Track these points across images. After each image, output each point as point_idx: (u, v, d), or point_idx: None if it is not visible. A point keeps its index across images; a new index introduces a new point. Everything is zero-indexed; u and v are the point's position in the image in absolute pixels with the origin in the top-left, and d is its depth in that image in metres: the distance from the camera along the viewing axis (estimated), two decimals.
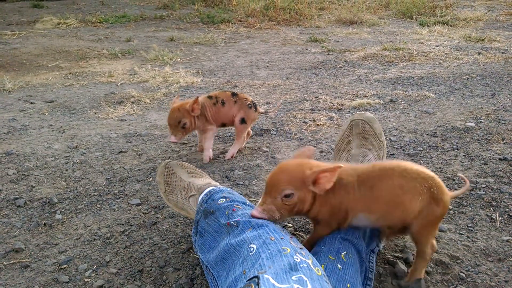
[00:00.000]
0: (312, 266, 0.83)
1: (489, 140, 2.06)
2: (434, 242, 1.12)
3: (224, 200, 1.14)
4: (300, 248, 0.90)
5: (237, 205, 1.10)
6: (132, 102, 2.79)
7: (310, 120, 2.41)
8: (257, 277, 0.78)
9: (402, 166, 1.05)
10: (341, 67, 3.73)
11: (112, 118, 2.53)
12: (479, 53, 4.08)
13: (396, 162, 1.08)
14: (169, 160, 1.45)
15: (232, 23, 6.15)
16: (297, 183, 1.01)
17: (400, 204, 1.03)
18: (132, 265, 1.24)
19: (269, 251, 0.86)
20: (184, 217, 1.47)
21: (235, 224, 1.02)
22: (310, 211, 1.07)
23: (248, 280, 0.80)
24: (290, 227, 1.41)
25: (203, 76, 3.48)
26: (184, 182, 1.32)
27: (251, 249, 0.89)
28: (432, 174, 1.05)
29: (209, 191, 1.21)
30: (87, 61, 4.04)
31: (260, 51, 4.50)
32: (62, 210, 1.54)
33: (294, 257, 0.84)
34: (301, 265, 0.81)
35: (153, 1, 8.30)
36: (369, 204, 1.05)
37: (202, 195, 1.21)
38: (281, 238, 0.91)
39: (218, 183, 1.31)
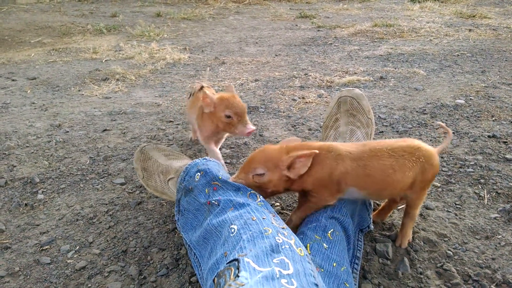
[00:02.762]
0: (294, 246, 0.81)
1: (478, 117, 2.04)
2: None
3: (199, 175, 1.10)
4: (282, 228, 0.88)
5: (215, 181, 1.07)
6: (117, 79, 2.72)
7: (299, 98, 2.37)
8: (237, 260, 0.76)
9: (389, 145, 1.07)
10: (331, 43, 3.67)
11: (97, 95, 2.46)
12: (470, 30, 4.05)
13: (383, 142, 1.09)
14: (145, 144, 1.40)
15: None
16: (271, 165, 1.03)
17: (391, 183, 1.05)
18: (115, 246, 1.22)
19: (250, 232, 0.83)
20: None
21: (216, 203, 1.00)
22: (290, 189, 1.09)
23: (228, 262, 0.78)
24: (277, 205, 1.39)
25: (191, 53, 3.41)
26: (162, 166, 1.28)
27: (232, 230, 0.86)
28: (417, 144, 1.08)
29: (186, 167, 1.18)
30: (71, 37, 3.94)
31: (249, 27, 4.42)
32: (44, 190, 1.50)
33: (276, 238, 0.81)
34: (283, 246, 0.79)
35: None
36: (361, 180, 1.06)
37: (181, 174, 1.18)
38: (263, 218, 0.89)
39: None
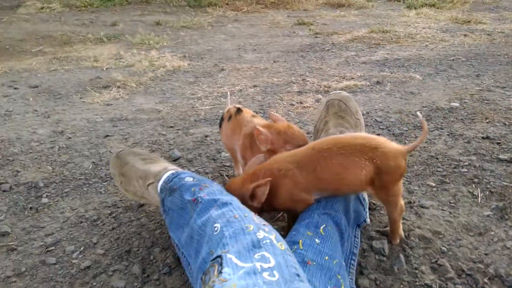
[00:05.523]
0: (275, 241, 0.84)
1: (472, 119, 2.08)
2: (402, 203, 1.16)
3: (192, 179, 1.15)
4: (264, 224, 0.92)
5: (204, 184, 1.11)
6: (118, 87, 2.76)
7: (297, 102, 2.41)
8: (220, 256, 0.80)
9: (340, 143, 1.07)
10: (328, 49, 3.72)
11: (98, 102, 2.51)
12: (465, 35, 4.10)
13: (335, 139, 1.10)
14: (120, 149, 1.41)
15: (219, 7, 6.10)
16: (240, 200, 1.08)
17: (343, 179, 1.07)
18: (119, 246, 1.25)
19: (233, 229, 0.87)
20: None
21: (200, 200, 1.03)
22: (264, 209, 1.15)
23: (212, 260, 0.81)
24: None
25: (190, 60, 3.46)
26: (140, 171, 1.30)
27: (215, 229, 0.90)
28: (374, 144, 1.05)
29: (176, 171, 1.21)
30: (71, 45, 3.99)
31: (248, 35, 4.48)
32: (48, 194, 1.54)
33: (257, 233, 0.85)
34: (264, 242, 0.82)
35: None
36: (316, 185, 1.10)
37: (167, 174, 1.21)
38: (245, 216, 0.93)
39: (175, 167, 1.31)
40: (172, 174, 1.20)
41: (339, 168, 1.06)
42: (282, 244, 0.85)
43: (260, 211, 1.15)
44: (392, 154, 1.05)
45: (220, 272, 0.75)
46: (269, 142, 1.23)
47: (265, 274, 0.73)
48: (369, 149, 1.05)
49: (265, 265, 0.75)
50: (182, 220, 1.07)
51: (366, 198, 1.31)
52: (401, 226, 1.21)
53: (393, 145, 1.08)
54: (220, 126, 1.51)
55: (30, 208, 1.45)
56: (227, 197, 1.04)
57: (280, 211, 1.37)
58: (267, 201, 1.11)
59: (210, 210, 0.99)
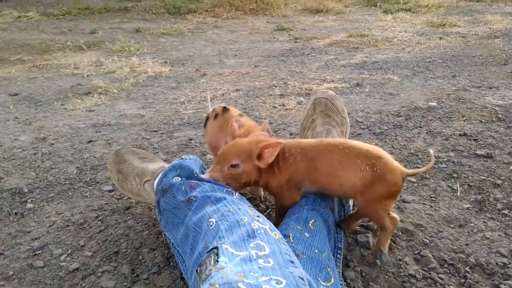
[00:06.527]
0: (269, 231, 0.87)
1: (450, 118, 2.15)
2: (395, 215, 1.14)
3: (179, 179, 1.16)
4: (258, 216, 0.95)
5: (194, 182, 1.13)
6: (100, 93, 2.75)
7: (279, 105, 2.45)
8: (216, 247, 0.82)
9: (347, 144, 1.09)
10: (308, 54, 3.78)
11: (80, 109, 2.49)
12: (441, 38, 4.22)
13: (343, 140, 1.13)
14: (119, 147, 1.44)
15: (198, 14, 6.13)
16: (244, 156, 1.10)
17: (338, 177, 1.08)
18: (107, 248, 1.25)
19: (228, 223, 0.89)
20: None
21: (194, 199, 1.05)
22: (259, 182, 1.16)
23: (208, 251, 0.83)
24: (262, 207, 1.45)
25: (171, 66, 3.47)
26: (137, 169, 1.32)
27: (211, 223, 0.92)
28: (379, 154, 1.07)
29: (164, 170, 1.23)
30: (51, 53, 3.96)
31: (228, 40, 4.51)
32: (33, 199, 1.53)
33: (252, 224, 0.88)
34: (258, 232, 0.85)
35: None
36: (310, 174, 1.12)
37: (159, 177, 1.23)
38: (239, 209, 0.96)
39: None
40: (162, 174, 1.22)
41: (337, 164, 1.08)
42: (276, 234, 0.88)
43: (245, 186, 1.18)
44: (392, 168, 1.06)
45: (216, 261, 0.77)
46: (233, 136, 1.23)
47: (260, 261, 0.75)
48: (373, 156, 1.06)
49: (260, 253, 0.78)
50: (176, 220, 1.08)
51: (350, 203, 1.34)
52: (388, 242, 1.17)
53: (396, 163, 1.09)
54: (205, 126, 1.50)
55: (15, 213, 1.44)
56: (219, 193, 1.05)
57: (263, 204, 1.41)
58: (263, 175, 1.13)
59: (205, 206, 1.00)
